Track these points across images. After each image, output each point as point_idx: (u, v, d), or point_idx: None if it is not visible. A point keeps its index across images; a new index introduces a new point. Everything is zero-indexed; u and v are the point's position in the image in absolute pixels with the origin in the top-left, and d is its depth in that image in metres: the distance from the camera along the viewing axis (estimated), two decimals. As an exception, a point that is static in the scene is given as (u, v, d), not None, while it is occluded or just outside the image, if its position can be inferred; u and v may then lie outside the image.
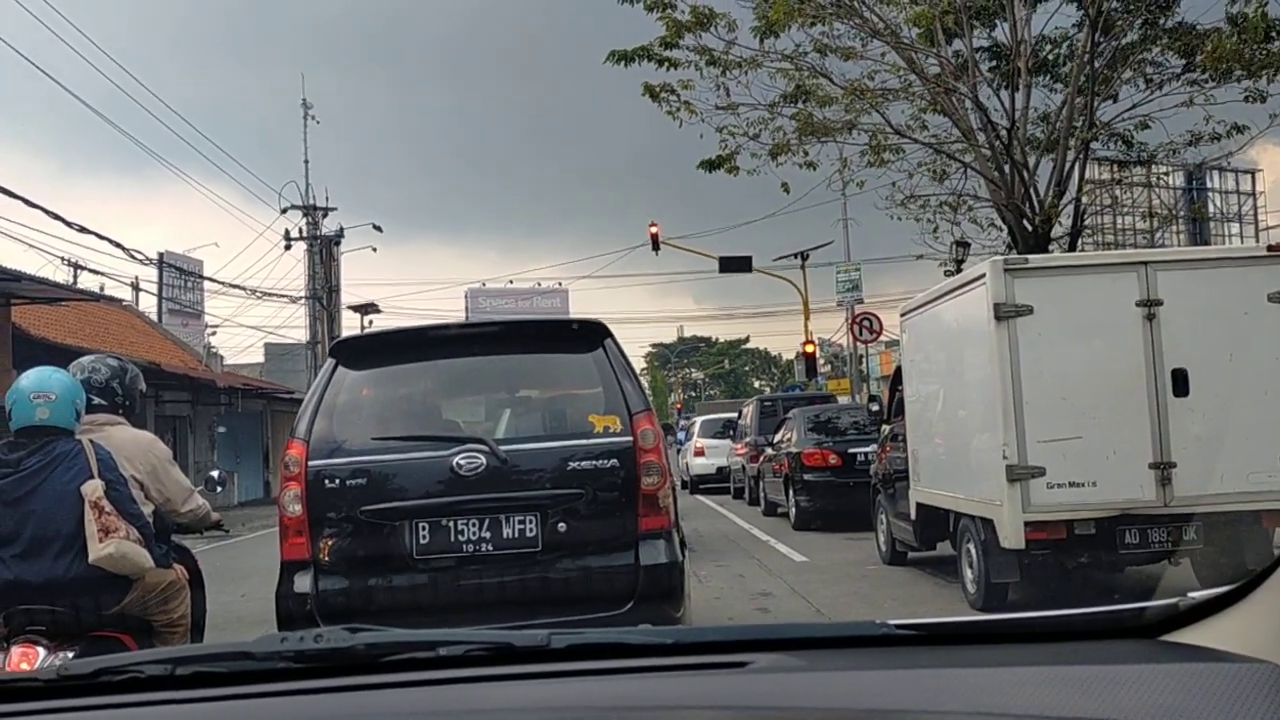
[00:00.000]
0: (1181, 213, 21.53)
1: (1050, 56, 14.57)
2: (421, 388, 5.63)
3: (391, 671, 1.37)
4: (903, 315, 10.20)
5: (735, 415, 23.88)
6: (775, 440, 16.43)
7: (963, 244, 16.68)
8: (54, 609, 3.98)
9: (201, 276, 33.80)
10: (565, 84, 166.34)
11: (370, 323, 35.06)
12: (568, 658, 1.37)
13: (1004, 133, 13.35)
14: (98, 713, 1.36)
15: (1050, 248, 13.40)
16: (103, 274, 44.43)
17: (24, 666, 3.84)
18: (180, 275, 34.08)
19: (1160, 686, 1.15)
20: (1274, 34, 12.39)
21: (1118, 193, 17.88)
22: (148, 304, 33.25)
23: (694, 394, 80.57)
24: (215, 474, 6.08)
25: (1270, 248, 7.65)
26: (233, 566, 11.36)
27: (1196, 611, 1.35)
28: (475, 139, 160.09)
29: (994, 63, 14.48)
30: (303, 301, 33.16)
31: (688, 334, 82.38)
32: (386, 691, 1.33)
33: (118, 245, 24.64)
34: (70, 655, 3.91)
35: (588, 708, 1.27)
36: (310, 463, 4.99)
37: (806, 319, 29.77)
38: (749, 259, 27.60)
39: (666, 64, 13.50)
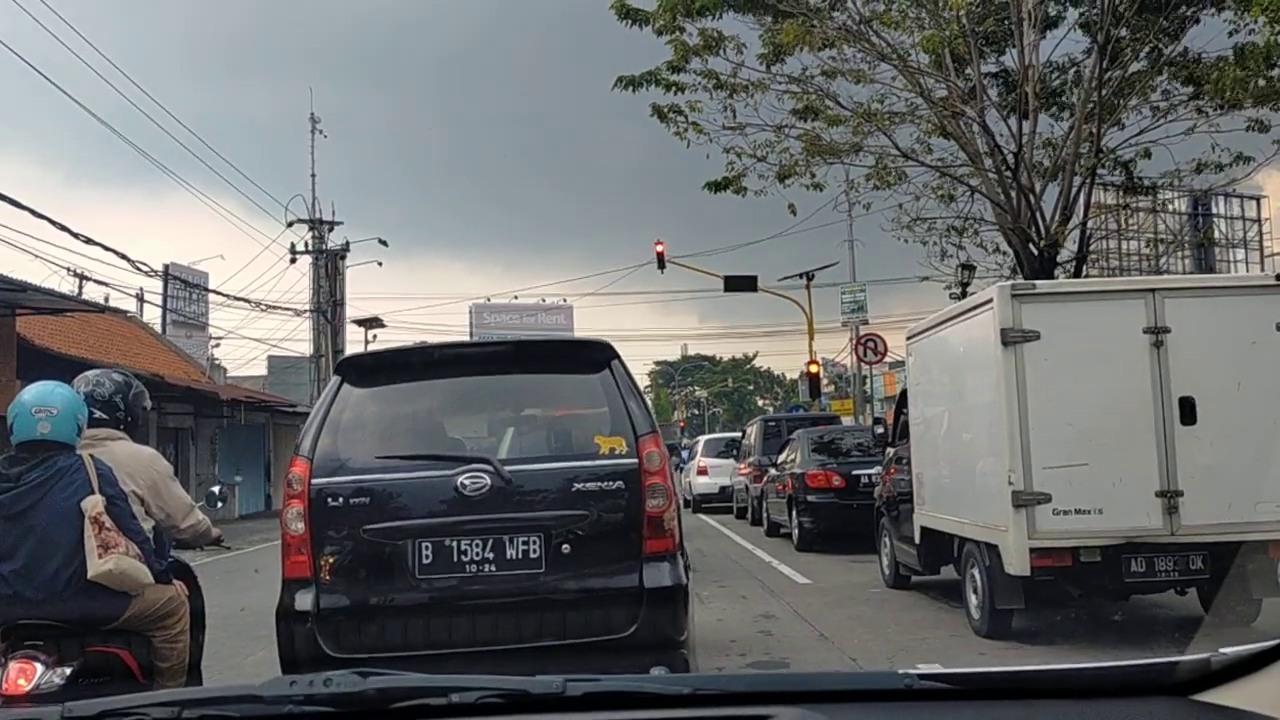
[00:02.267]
0: (1187, 239, 21.51)
1: (1058, 83, 14.59)
2: (427, 406, 5.59)
3: (403, 719, 1.33)
4: (909, 338, 10.18)
5: (739, 434, 23.84)
6: (779, 460, 16.38)
7: (968, 267, 16.67)
8: (53, 624, 3.95)
9: (206, 289, 33.82)
10: (572, 101, 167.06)
11: (374, 337, 35.12)
12: (583, 706, 1.33)
13: (1011, 157, 13.36)
14: None
15: (1056, 272, 13.39)
16: (108, 285, 44.43)
17: (21, 683, 3.81)
18: (185, 287, 34.09)
19: None
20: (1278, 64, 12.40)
21: (1124, 219, 17.87)
22: (152, 315, 33.28)
23: (696, 412, 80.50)
24: (216, 489, 6.05)
25: (1279, 276, 7.63)
26: (233, 581, 11.31)
27: (1229, 671, 1.31)
28: (481, 155, 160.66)
29: (1002, 88, 14.51)
30: (307, 315, 33.18)
31: (691, 352, 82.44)
32: None
33: (123, 256, 24.76)
34: (68, 671, 3.89)
35: None
36: (314, 480, 4.96)
37: (811, 339, 29.77)
38: (754, 278, 27.58)
39: (674, 88, 13.56)
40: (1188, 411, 7.13)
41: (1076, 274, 13.79)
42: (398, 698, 1.36)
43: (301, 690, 1.35)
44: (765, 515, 17.24)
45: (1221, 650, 1.35)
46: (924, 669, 1.34)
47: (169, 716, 1.33)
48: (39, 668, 3.89)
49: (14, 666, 3.89)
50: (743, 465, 20.77)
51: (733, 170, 14.19)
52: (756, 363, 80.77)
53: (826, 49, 13.16)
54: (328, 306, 32.75)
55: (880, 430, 11.81)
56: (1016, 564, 7.10)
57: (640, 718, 1.31)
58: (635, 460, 4.99)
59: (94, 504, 3.98)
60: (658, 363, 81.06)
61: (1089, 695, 1.34)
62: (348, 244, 33.71)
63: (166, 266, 31.99)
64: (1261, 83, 12.37)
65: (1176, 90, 13.79)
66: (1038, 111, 13.70)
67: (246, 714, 1.35)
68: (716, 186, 14.45)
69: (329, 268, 32.95)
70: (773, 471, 16.65)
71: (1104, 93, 13.12)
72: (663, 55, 13.53)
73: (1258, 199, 26.60)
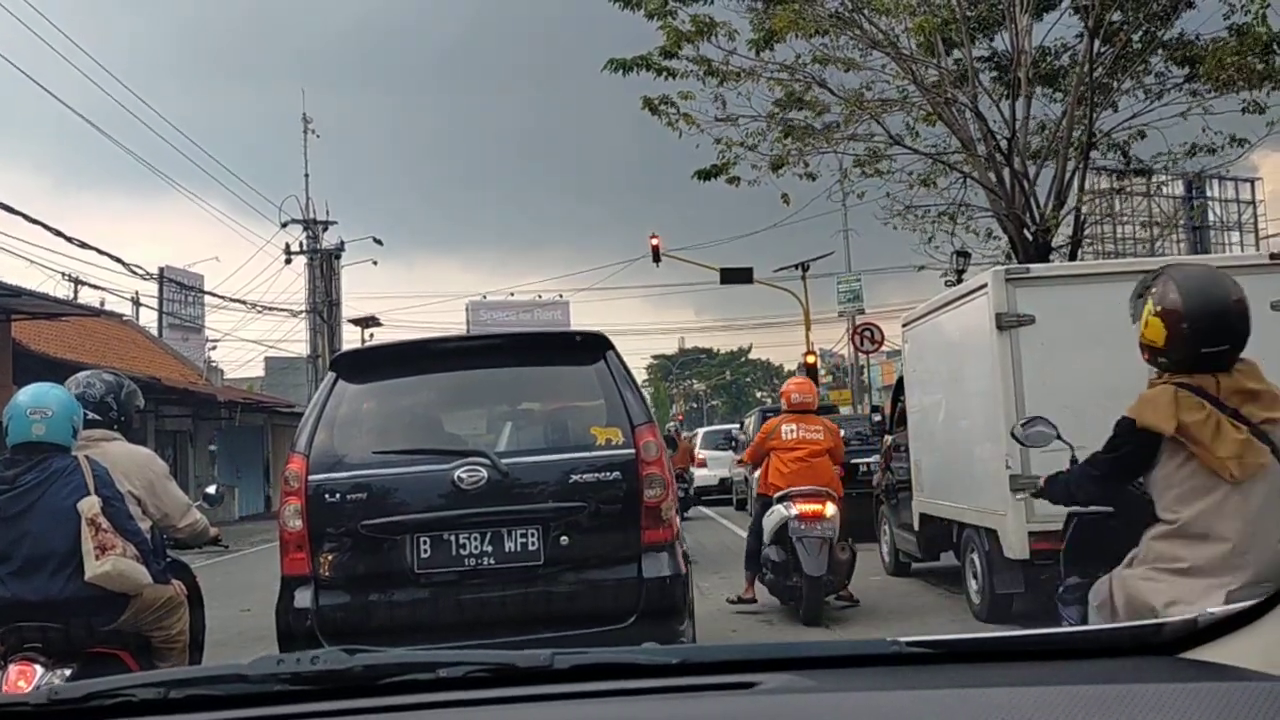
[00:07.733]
0: (1181, 221, 21.53)
1: (1050, 67, 14.55)
2: (423, 401, 5.60)
3: (390, 694, 1.34)
4: (904, 325, 10.18)
5: (737, 426, 23.84)
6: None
7: (963, 254, 16.64)
8: (51, 626, 3.95)
9: (202, 291, 33.82)
10: (563, 96, 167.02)
11: (371, 336, 35.01)
12: (571, 678, 1.34)
13: (1004, 142, 13.34)
14: None
15: (1050, 257, 13.37)
16: (103, 289, 44.40)
17: (21, 685, 3.81)
18: (181, 290, 34.08)
19: (1181, 705, 1.12)
20: (1275, 46, 12.36)
21: (1117, 204, 17.87)
22: (148, 319, 33.27)
23: (695, 405, 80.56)
24: (212, 489, 6.06)
25: (1273, 255, 7.62)
26: (233, 582, 11.30)
27: (1215, 628, 1.32)
28: (474, 152, 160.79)
29: (995, 72, 14.48)
30: (303, 316, 33.16)
31: (689, 345, 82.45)
32: (385, 715, 1.30)
33: (118, 260, 24.71)
34: (67, 673, 3.89)
35: None
36: (311, 477, 4.96)
37: (808, 330, 29.76)
38: (750, 270, 27.56)
39: (665, 73, 13.51)
40: (1184, 392, 7.12)
41: (1071, 258, 13.78)
42: (385, 674, 1.37)
43: (289, 669, 1.35)
44: (765, 506, 17.19)
45: (1208, 610, 1.36)
46: (910, 639, 1.35)
47: (155, 697, 1.33)
48: (38, 669, 3.90)
49: (13, 669, 3.89)
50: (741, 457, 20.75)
51: (723, 160, 14.15)
52: (753, 355, 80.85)
53: (818, 35, 13.12)
54: (323, 306, 32.71)
55: (878, 418, 11.81)
56: (1016, 548, 7.11)
57: (627, 687, 1.31)
58: (632, 451, 5.00)
59: (91, 505, 3.97)
60: (655, 356, 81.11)
61: (1075, 656, 1.34)
62: (342, 243, 33.65)
63: (161, 269, 32.00)
64: (1259, 65, 12.33)
65: (1170, 73, 13.76)
66: (1031, 95, 13.67)
67: (233, 693, 1.35)
68: (706, 175, 14.40)
69: (324, 268, 32.89)
70: (772, 462, 16.61)
71: (1097, 74, 13.09)
72: (654, 45, 13.50)
73: (1252, 181, 26.58)
